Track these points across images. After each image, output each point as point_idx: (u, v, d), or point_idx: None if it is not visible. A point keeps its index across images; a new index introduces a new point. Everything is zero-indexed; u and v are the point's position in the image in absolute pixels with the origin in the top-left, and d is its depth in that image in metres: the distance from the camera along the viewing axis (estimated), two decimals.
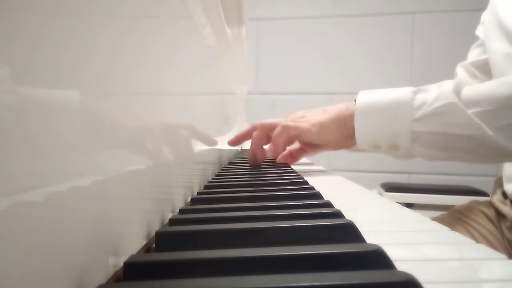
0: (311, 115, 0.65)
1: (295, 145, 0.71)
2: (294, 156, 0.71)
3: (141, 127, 0.26)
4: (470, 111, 0.53)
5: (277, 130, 0.63)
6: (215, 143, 0.56)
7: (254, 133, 0.67)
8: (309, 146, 0.68)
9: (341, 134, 0.62)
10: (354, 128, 0.60)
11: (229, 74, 0.89)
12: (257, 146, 0.66)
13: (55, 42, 0.15)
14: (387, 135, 0.58)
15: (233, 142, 0.70)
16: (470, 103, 0.53)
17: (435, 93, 0.55)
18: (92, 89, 0.18)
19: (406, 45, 1.81)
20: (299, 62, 1.88)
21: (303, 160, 0.75)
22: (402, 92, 0.58)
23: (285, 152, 0.71)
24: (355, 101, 0.61)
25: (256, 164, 0.67)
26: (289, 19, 1.90)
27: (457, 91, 0.54)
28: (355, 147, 0.64)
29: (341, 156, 0.67)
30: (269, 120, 0.67)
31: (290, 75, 1.89)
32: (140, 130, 0.26)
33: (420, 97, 0.56)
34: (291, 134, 0.63)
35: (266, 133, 0.66)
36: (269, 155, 0.71)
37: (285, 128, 0.63)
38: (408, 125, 0.56)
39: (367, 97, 0.60)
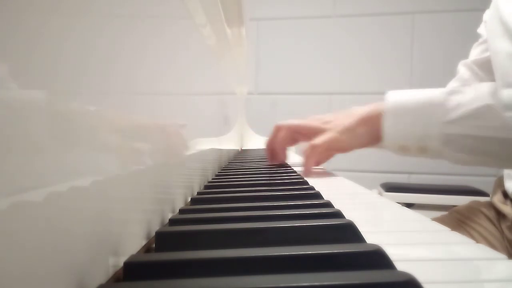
0: (337, 121, 0.63)
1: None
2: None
3: (141, 127, 0.26)
4: (507, 114, 0.52)
5: (308, 151, 0.61)
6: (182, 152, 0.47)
7: (281, 133, 0.66)
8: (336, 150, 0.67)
9: (370, 136, 0.61)
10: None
11: (229, 74, 0.89)
12: (280, 146, 0.66)
13: (56, 42, 0.15)
14: (417, 137, 0.57)
15: (269, 157, 0.68)
16: (507, 106, 0.53)
17: (472, 94, 0.54)
18: (92, 89, 0.18)
19: (406, 45, 1.81)
20: (299, 62, 1.88)
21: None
22: (434, 93, 0.57)
23: None
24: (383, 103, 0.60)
25: (274, 163, 0.66)
26: (289, 19, 1.90)
27: (494, 94, 0.54)
28: (381, 144, 0.63)
29: (341, 156, 0.67)
30: (295, 122, 0.66)
31: (290, 75, 1.89)
32: (140, 130, 0.26)
33: (455, 99, 0.55)
34: (322, 151, 0.62)
35: (293, 135, 0.65)
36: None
37: (315, 147, 0.61)
38: (440, 126, 0.55)
39: (396, 97, 0.59)
